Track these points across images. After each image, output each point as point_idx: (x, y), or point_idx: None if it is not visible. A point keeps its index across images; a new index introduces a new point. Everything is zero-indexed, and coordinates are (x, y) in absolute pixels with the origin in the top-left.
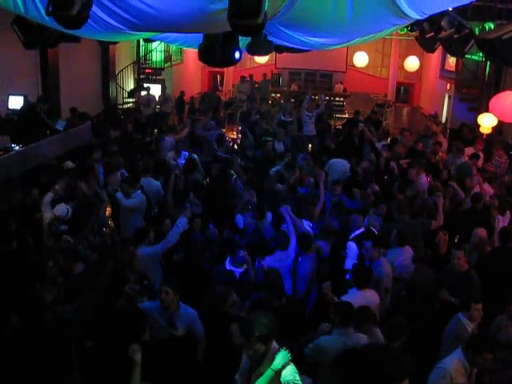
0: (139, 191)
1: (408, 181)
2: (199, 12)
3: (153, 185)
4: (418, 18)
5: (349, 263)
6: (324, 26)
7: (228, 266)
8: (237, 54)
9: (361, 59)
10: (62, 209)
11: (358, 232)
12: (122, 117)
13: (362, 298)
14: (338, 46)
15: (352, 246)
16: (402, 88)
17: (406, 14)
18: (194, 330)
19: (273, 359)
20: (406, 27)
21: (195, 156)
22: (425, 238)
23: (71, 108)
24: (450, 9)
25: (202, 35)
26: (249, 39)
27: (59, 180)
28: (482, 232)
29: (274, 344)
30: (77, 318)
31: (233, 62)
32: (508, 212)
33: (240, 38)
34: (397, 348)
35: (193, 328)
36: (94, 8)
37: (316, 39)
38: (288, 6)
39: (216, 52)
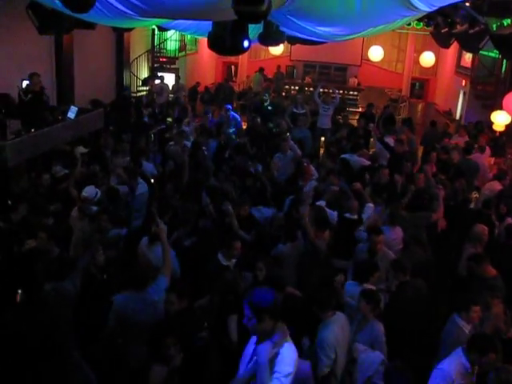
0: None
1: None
2: None
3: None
4: (427, 10)
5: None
6: (332, 15)
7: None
8: (245, 43)
9: (376, 53)
10: (91, 190)
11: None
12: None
13: None
14: (348, 37)
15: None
16: (417, 83)
17: (414, 6)
18: None
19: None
20: (422, 21)
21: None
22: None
23: (92, 100)
24: (467, 4)
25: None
26: (261, 29)
27: None
28: (480, 227)
29: (283, 325)
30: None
31: (241, 50)
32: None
33: (252, 28)
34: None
35: None
36: None
37: (325, 29)
38: None
39: (225, 40)
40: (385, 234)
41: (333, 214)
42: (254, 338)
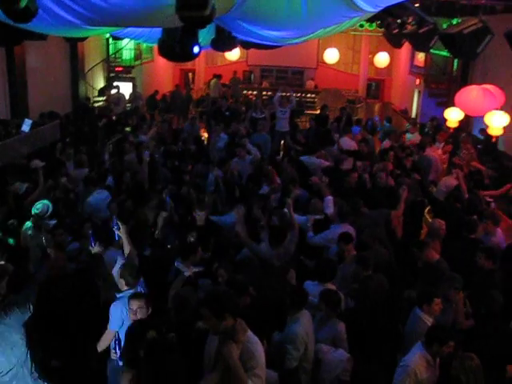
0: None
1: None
2: (151, 5)
3: None
4: (373, 10)
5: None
6: (280, 19)
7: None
8: (196, 49)
9: (331, 56)
10: (42, 207)
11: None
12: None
13: None
14: (299, 40)
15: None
16: (373, 84)
17: (359, 7)
18: None
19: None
20: (374, 23)
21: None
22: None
23: (40, 113)
24: (417, 4)
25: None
26: (213, 35)
27: None
28: (438, 222)
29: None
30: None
31: (191, 56)
32: None
33: (205, 34)
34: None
35: None
36: (47, 1)
37: (274, 33)
38: (242, 1)
39: (175, 46)
40: (335, 231)
41: (303, 219)
42: (211, 338)
